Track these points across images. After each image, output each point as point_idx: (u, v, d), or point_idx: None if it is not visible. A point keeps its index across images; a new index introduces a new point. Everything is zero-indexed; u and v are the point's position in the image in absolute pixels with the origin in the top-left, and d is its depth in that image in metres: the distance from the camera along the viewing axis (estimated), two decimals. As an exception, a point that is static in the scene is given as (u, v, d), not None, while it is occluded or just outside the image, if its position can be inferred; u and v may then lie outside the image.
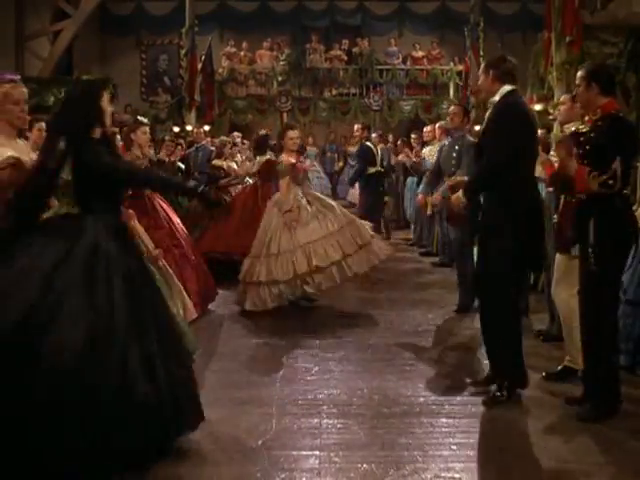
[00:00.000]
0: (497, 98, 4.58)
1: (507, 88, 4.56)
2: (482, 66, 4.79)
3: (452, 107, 7.31)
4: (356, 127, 11.55)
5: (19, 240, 3.56)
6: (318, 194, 7.61)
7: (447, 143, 7.40)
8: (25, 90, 4.16)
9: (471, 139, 7.01)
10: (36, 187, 3.71)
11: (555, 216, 5.34)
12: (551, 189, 5.57)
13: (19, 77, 4.18)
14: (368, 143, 10.77)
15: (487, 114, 4.70)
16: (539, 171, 5.47)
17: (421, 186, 7.44)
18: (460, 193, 4.71)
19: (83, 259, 3.50)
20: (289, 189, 6.96)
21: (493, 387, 4.64)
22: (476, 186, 4.70)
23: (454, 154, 6.94)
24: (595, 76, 4.31)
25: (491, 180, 4.55)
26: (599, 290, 4.19)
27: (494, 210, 4.58)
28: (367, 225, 7.24)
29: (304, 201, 7.02)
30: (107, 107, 3.85)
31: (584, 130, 4.48)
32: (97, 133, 3.78)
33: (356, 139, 11.96)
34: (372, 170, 10.61)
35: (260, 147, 8.85)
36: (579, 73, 4.41)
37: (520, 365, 4.61)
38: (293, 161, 6.99)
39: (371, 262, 7.03)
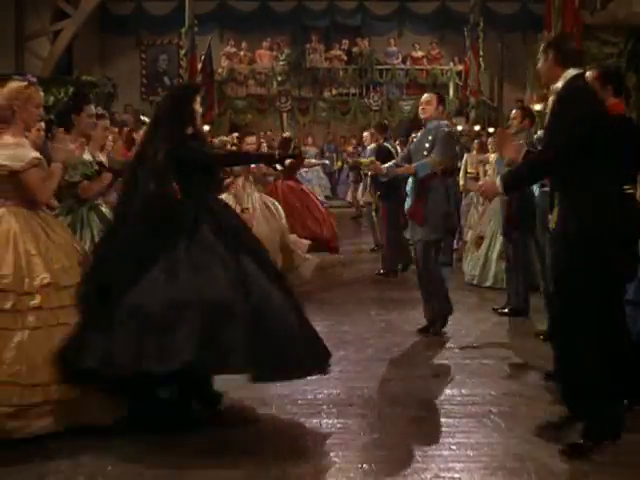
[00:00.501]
0: (560, 84, 3.86)
1: (572, 72, 3.84)
2: (542, 46, 4.06)
3: (424, 95, 6.40)
4: (365, 134, 10.91)
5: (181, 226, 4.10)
6: (272, 200, 7.95)
7: (419, 134, 6.50)
8: (42, 95, 4.20)
9: (446, 129, 6.24)
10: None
11: (550, 216, 5.34)
12: (546, 188, 5.54)
13: (35, 80, 4.20)
14: (386, 144, 9.52)
15: (549, 104, 4.04)
16: None
17: (388, 164, 6.71)
18: (497, 181, 4.03)
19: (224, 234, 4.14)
20: (244, 189, 7.45)
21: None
22: (517, 181, 4.15)
23: (427, 144, 6.08)
24: (610, 78, 4.30)
25: (536, 178, 4.11)
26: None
27: (567, 223, 3.88)
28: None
29: (258, 204, 7.54)
30: (198, 108, 4.32)
31: None
32: (189, 130, 4.27)
33: (367, 143, 11.23)
34: None
35: (285, 148, 9.51)
36: (591, 74, 4.32)
37: (607, 407, 3.80)
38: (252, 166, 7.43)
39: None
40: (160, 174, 4.11)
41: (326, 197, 18.78)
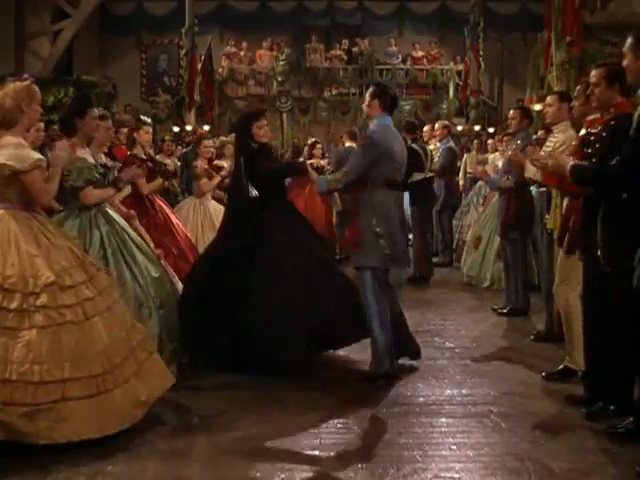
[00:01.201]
0: None
1: None
2: (629, 41, 3.72)
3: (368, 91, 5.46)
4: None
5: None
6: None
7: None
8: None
9: (369, 133, 5.36)
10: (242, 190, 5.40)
11: (547, 216, 5.33)
12: (544, 189, 5.53)
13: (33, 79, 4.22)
14: (414, 145, 8.65)
15: (636, 114, 3.68)
16: (532, 172, 5.44)
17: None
18: (569, 167, 3.84)
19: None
20: (207, 189, 7.54)
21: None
22: (584, 178, 3.90)
23: None
24: (617, 75, 4.14)
25: (599, 186, 3.83)
26: (607, 292, 4.06)
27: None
28: None
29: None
30: (258, 129, 5.37)
31: (593, 130, 4.43)
32: (255, 146, 5.38)
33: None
34: (418, 177, 8.47)
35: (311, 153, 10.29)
36: (597, 72, 4.24)
37: None
38: (206, 166, 7.55)
39: None
40: (242, 182, 5.33)
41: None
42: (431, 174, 9.00)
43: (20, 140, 4.01)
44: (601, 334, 4.19)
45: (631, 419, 3.88)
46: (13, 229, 3.92)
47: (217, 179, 7.48)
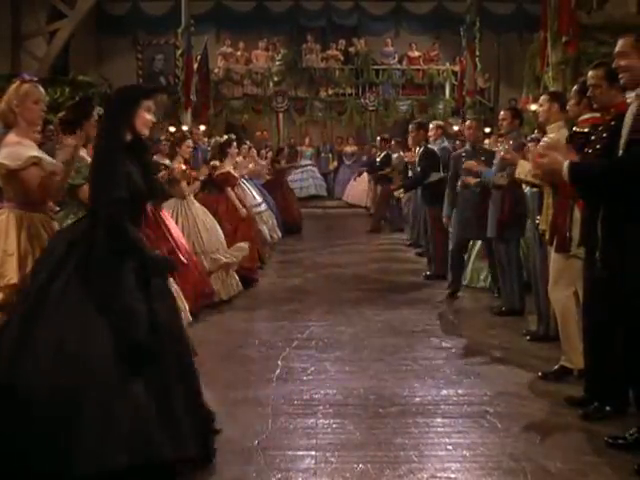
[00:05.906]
0: None
1: None
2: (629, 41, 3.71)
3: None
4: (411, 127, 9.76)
5: None
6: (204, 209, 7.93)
7: None
8: (43, 91, 4.19)
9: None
10: None
11: (538, 217, 5.33)
12: (535, 189, 5.53)
13: (36, 79, 4.21)
14: (430, 145, 8.92)
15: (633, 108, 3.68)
16: (523, 173, 5.44)
17: None
18: (565, 168, 3.61)
19: None
20: (189, 191, 7.56)
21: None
22: (587, 176, 3.69)
23: None
24: (617, 74, 3.97)
25: (607, 180, 3.65)
26: (607, 294, 3.99)
27: None
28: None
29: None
30: None
31: (586, 130, 4.42)
32: None
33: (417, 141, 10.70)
34: (435, 177, 8.70)
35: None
36: (596, 73, 4.21)
37: None
38: (184, 167, 7.51)
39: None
40: None
41: (322, 197, 18.85)
42: (443, 175, 8.83)
43: (21, 139, 4.02)
44: (601, 335, 4.19)
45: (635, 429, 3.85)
46: (4, 227, 3.93)
47: (196, 182, 7.63)
